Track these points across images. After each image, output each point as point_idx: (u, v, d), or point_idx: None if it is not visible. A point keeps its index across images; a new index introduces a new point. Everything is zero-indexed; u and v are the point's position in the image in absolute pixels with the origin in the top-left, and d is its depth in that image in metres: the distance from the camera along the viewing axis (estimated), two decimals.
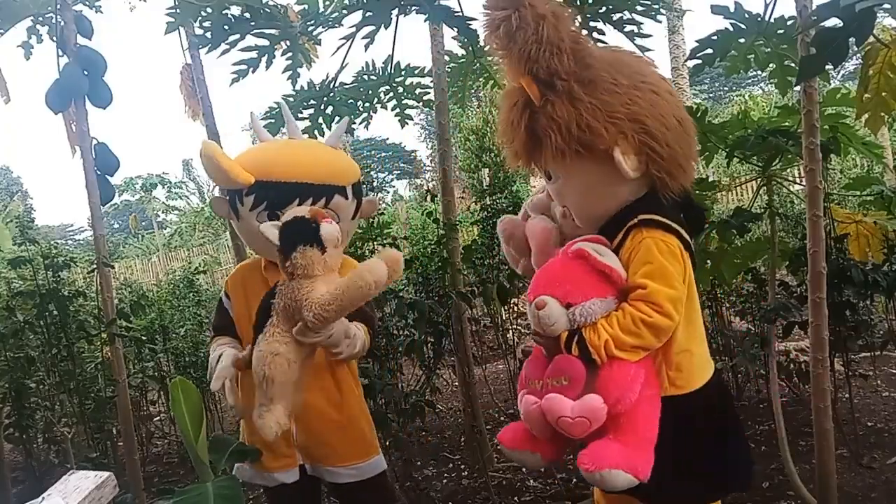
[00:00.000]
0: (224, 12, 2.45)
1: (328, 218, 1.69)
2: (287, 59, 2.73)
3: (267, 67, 2.65)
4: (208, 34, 2.49)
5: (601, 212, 1.52)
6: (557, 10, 1.41)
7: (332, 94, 2.80)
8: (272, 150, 1.99)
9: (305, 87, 2.81)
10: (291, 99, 2.79)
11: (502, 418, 3.93)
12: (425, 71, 2.94)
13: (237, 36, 2.51)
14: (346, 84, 2.89)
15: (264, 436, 1.68)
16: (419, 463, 3.40)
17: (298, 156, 1.95)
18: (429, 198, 3.48)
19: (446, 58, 3.08)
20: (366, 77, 2.90)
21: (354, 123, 3.07)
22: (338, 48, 2.61)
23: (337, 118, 2.79)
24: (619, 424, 1.37)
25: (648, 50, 2.54)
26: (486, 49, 2.63)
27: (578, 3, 2.52)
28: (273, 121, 2.74)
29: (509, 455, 1.55)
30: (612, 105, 1.41)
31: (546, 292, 1.44)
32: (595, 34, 2.64)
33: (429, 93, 3.00)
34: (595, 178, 1.48)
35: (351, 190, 1.95)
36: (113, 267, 3.04)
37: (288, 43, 2.66)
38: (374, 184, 3.84)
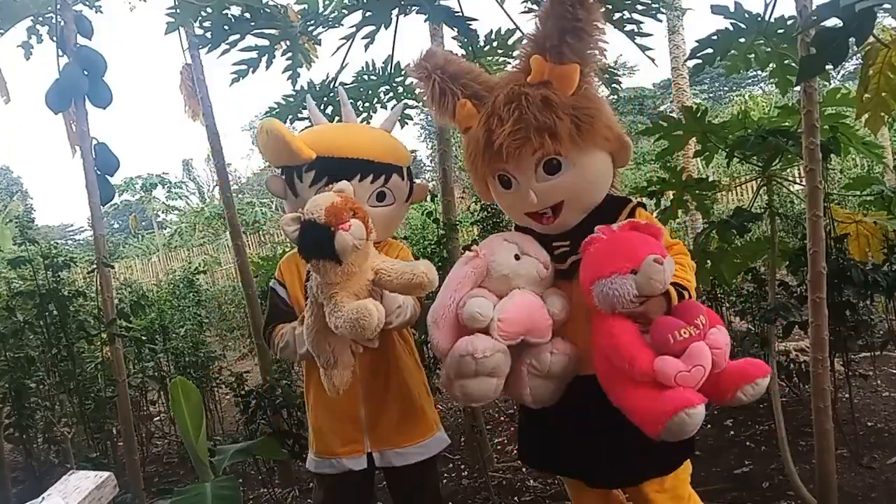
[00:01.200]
0: (224, 12, 2.45)
1: (347, 223, 1.59)
2: (287, 59, 2.73)
3: (267, 67, 2.65)
4: (208, 34, 2.49)
5: (596, 199, 1.72)
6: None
7: (332, 94, 2.80)
8: (332, 129, 2.06)
9: (305, 87, 2.81)
10: (291, 99, 2.79)
11: (502, 418, 3.93)
12: None
13: (237, 36, 2.52)
14: (346, 84, 2.89)
15: (367, 324, 1.60)
16: None
17: (359, 134, 2.01)
18: (429, 198, 3.48)
19: None
20: (366, 77, 2.90)
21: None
22: (338, 48, 2.61)
23: (338, 118, 2.79)
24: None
25: (649, 49, 2.55)
26: (485, 49, 2.64)
27: None
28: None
29: (697, 419, 1.42)
30: (605, 101, 1.69)
31: (638, 254, 1.51)
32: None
33: None
34: (607, 166, 1.71)
35: (406, 172, 2.01)
36: (113, 267, 3.04)
37: (288, 43, 2.66)
38: None
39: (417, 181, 2.11)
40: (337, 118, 2.79)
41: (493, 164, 1.68)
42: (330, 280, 1.63)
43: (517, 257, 1.67)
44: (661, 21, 2.60)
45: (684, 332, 1.46)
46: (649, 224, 1.60)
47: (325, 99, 2.82)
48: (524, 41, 1.68)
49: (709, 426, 3.40)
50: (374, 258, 1.71)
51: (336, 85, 2.82)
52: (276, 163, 1.99)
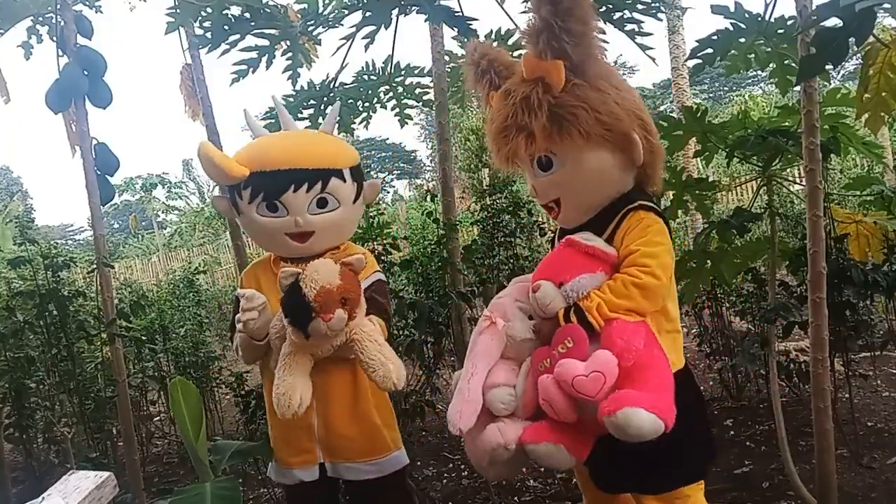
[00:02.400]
0: (224, 12, 2.45)
1: (331, 314, 1.63)
2: (287, 59, 2.73)
3: (267, 67, 2.65)
4: (208, 34, 2.49)
5: (600, 200, 1.64)
6: None
7: (332, 94, 2.81)
8: (265, 141, 2.01)
9: (305, 87, 2.81)
10: (291, 99, 2.79)
11: None
12: (425, 71, 2.94)
13: (237, 36, 2.52)
14: (346, 84, 2.89)
15: (284, 408, 1.71)
16: (419, 463, 3.40)
17: (291, 143, 1.97)
18: (429, 198, 3.48)
19: (446, 58, 3.07)
20: (366, 77, 2.90)
21: (354, 123, 3.07)
22: (338, 48, 2.61)
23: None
24: (634, 379, 1.39)
25: (649, 48, 2.55)
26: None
27: None
28: (273, 120, 2.74)
29: (535, 455, 1.48)
30: (625, 98, 1.58)
31: (541, 279, 1.57)
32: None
33: (429, 93, 3.00)
34: (607, 164, 1.60)
35: (349, 173, 1.95)
36: (113, 267, 3.04)
37: (288, 43, 2.66)
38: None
39: (368, 181, 2.07)
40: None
41: (500, 159, 1.70)
42: (293, 340, 1.73)
43: (531, 317, 1.62)
44: (661, 21, 2.60)
45: (541, 366, 1.49)
46: (581, 243, 1.56)
47: (325, 99, 2.82)
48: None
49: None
50: (355, 325, 1.73)
51: (336, 85, 2.82)
52: (216, 183, 2.06)
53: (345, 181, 1.93)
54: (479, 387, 1.53)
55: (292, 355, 1.74)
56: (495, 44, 2.77)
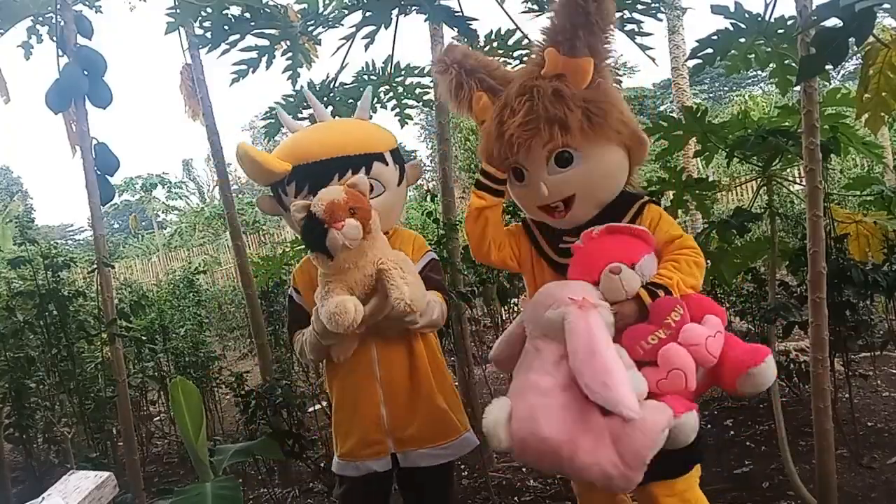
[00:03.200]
0: (224, 12, 2.45)
1: (341, 222, 1.65)
2: (287, 59, 2.73)
3: (267, 67, 2.65)
4: (208, 34, 2.49)
5: (609, 196, 1.73)
6: None
7: (332, 94, 2.80)
8: (302, 135, 2.01)
9: (305, 87, 2.81)
10: (291, 99, 2.79)
11: None
12: (425, 71, 2.94)
13: (237, 36, 2.52)
14: (346, 84, 2.89)
15: (342, 319, 1.66)
16: None
17: (329, 133, 1.97)
18: (429, 198, 3.48)
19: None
20: (366, 77, 2.90)
21: None
22: (338, 48, 2.61)
23: (337, 117, 2.79)
24: (727, 341, 1.51)
25: (649, 48, 2.55)
26: (485, 49, 2.64)
27: None
28: (273, 121, 2.74)
29: (684, 428, 1.40)
30: (623, 98, 1.67)
31: (601, 267, 1.56)
32: None
33: (429, 93, 3.00)
34: (621, 160, 1.70)
35: (390, 156, 1.95)
36: (113, 267, 3.04)
37: (288, 43, 2.66)
38: None
39: (410, 162, 2.06)
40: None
41: (505, 156, 1.70)
42: (324, 270, 1.74)
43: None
44: (661, 21, 2.60)
45: (652, 339, 1.47)
46: (626, 227, 1.64)
47: (325, 99, 2.82)
48: (540, 33, 1.68)
49: (709, 426, 3.40)
50: (381, 254, 1.74)
51: (336, 85, 2.82)
52: (260, 183, 2.00)
53: (387, 164, 1.93)
54: (623, 369, 1.42)
55: (329, 287, 1.73)
56: (495, 44, 2.77)
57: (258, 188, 1.98)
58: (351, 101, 2.90)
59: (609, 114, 1.60)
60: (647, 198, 1.74)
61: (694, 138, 2.58)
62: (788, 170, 2.73)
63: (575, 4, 1.54)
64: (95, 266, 2.80)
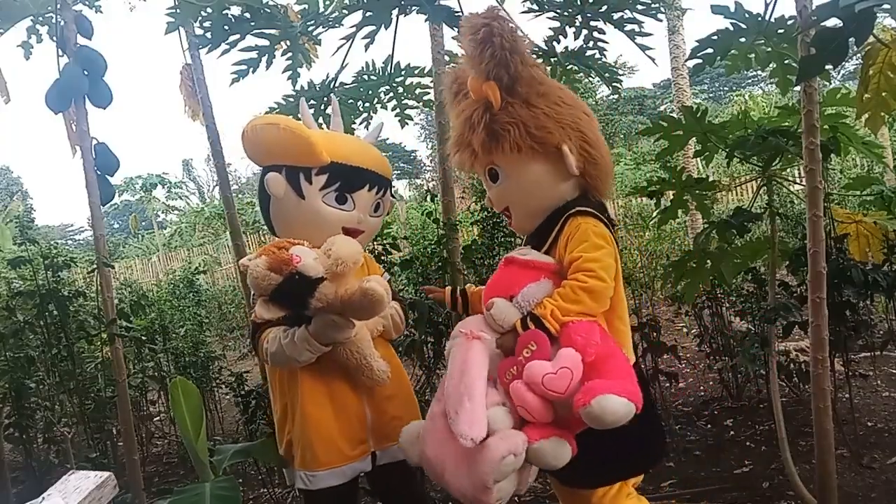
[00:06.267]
0: (224, 12, 2.45)
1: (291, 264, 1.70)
2: (287, 59, 2.73)
3: (267, 67, 2.65)
4: (208, 34, 2.49)
5: (542, 208, 1.75)
6: (516, 32, 1.68)
7: (332, 94, 2.80)
8: (342, 136, 2.08)
9: (305, 87, 2.81)
10: (291, 99, 2.79)
11: None
12: (425, 71, 2.94)
13: (237, 36, 2.51)
14: (346, 84, 2.89)
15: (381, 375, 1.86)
16: None
17: (365, 146, 2.06)
18: (429, 198, 3.48)
19: (446, 58, 3.08)
20: (366, 77, 2.90)
21: (354, 123, 3.06)
22: (338, 48, 2.61)
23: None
24: (598, 371, 1.46)
25: (649, 49, 2.55)
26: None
27: (579, 2, 2.52)
28: None
29: (542, 452, 1.47)
30: (561, 114, 1.69)
31: (491, 297, 1.65)
32: (595, 33, 2.64)
33: (429, 93, 3.00)
34: (542, 174, 1.71)
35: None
36: (113, 267, 3.04)
37: (288, 43, 2.66)
38: None
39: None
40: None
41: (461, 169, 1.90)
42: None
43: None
44: (661, 21, 2.60)
45: (507, 375, 1.53)
46: (516, 257, 1.69)
47: (325, 99, 2.82)
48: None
49: (709, 426, 3.40)
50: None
51: (336, 85, 2.82)
52: (280, 160, 1.89)
53: (392, 195, 2.11)
54: (484, 399, 1.51)
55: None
56: None
57: (257, 188, 1.92)
58: (351, 101, 2.90)
59: (510, 132, 1.65)
60: (577, 209, 1.69)
61: (694, 138, 2.58)
62: (788, 170, 2.73)
63: (464, 30, 1.64)
64: (95, 266, 2.80)
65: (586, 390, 1.39)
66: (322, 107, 2.84)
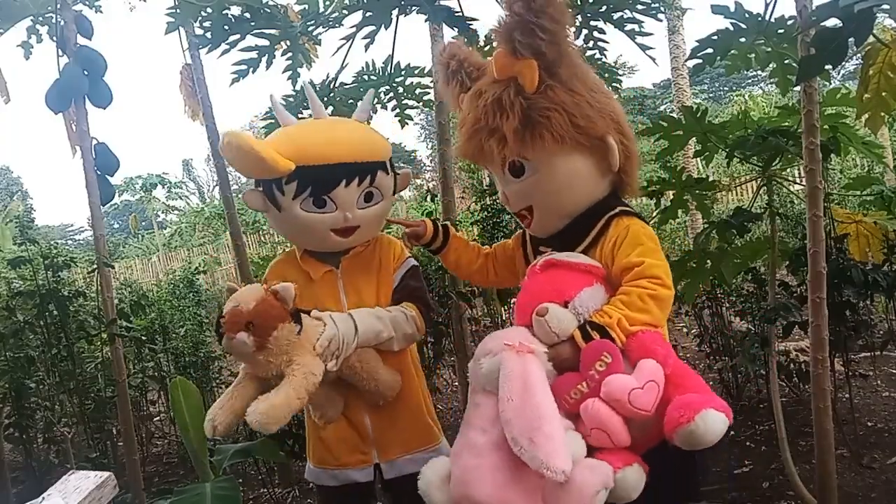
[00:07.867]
0: (224, 12, 2.45)
1: (233, 333, 1.54)
2: (287, 59, 2.73)
3: (267, 67, 2.65)
4: (208, 34, 2.49)
5: (574, 207, 1.58)
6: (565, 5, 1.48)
7: (332, 94, 2.80)
8: (306, 131, 1.85)
9: (307, 84, 2.80)
10: (291, 99, 2.78)
11: None
12: (425, 71, 2.94)
13: (237, 36, 2.51)
14: (346, 84, 2.88)
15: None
16: None
17: (336, 134, 1.83)
18: (429, 198, 3.48)
19: None
20: (366, 77, 2.90)
21: None
22: (338, 48, 2.60)
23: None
24: (677, 385, 1.32)
25: (649, 48, 2.55)
26: (485, 49, 2.64)
27: (579, 2, 2.52)
28: (273, 121, 2.73)
29: (625, 483, 1.29)
30: (601, 102, 1.52)
31: (533, 307, 1.44)
32: (595, 33, 2.64)
33: (429, 93, 3.00)
34: (582, 169, 1.54)
35: (389, 164, 1.88)
36: (113, 267, 3.04)
37: (288, 43, 2.66)
38: None
39: (401, 170, 1.98)
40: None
41: (475, 163, 1.65)
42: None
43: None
44: (661, 21, 2.60)
45: (574, 393, 1.35)
46: (563, 260, 1.49)
47: (325, 99, 2.82)
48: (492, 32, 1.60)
49: None
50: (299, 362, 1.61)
51: (336, 85, 2.81)
52: (251, 176, 1.85)
53: (387, 173, 1.86)
54: (560, 423, 1.31)
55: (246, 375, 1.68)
56: (495, 44, 2.77)
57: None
58: (351, 101, 2.90)
59: (552, 120, 1.45)
60: (619, 209, 1.54)
61: (694, 138, 2.58)
62: (788, 170, 2.73)
63: (509, 2, 1.44)
64: (95, 266, 2.80)
65: (683, 406, 1.23)
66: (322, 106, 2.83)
